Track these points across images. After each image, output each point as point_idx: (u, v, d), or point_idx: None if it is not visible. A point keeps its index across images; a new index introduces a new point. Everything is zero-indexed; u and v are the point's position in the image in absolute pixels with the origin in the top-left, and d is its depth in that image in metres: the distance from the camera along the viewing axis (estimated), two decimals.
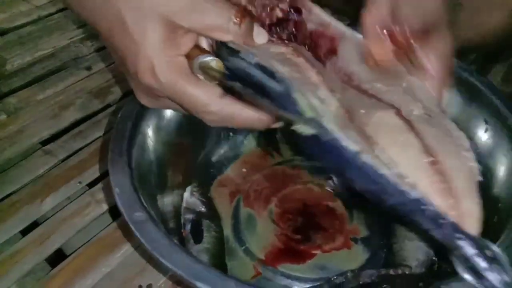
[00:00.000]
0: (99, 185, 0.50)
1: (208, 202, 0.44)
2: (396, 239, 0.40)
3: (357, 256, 0.42)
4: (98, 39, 0.71)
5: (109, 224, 0.46)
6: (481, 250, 0.22)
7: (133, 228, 0.32)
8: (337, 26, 0.37)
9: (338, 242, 0.43)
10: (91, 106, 0.60)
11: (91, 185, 0.50)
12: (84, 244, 0.44)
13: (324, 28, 0.37)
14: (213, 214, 0.43)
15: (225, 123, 0.31)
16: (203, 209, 0.42)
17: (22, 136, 0.55)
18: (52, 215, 0.47)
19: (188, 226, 0.41)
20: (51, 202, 0.48)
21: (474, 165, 0.27)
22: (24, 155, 0.53)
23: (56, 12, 0.77)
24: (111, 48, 0.32)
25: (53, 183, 0.50)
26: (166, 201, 0.41)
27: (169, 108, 0.34)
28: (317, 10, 0.37)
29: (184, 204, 0.43)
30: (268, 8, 0.36)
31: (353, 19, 0.37)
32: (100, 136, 0.55)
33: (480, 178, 0.26)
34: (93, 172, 0.51)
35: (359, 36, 0.36)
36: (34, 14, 0.76)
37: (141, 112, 0.41)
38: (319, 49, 0.36)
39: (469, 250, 0.23)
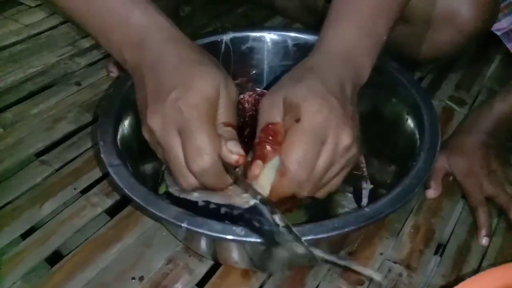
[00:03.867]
0: (94, 190, 0.55)
1: None
2: None
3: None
4: (86, 56, 0.77)
5: (104, 225, 0.51)
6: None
7: (109, 170, 0.41)
8: None
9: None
10: (83, 119, 0.65)
11: (85, 190, 0.55)
12: (82, 243, 0.49)
13: None
14: None
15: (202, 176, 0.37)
16: None
17: (18, 148, 0.60)
18: (50, 219, 0.52)
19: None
20: (49, 207, 0.53)
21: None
22: (21, 165, 0.58)
23: (45, 31, 0.82)
24: (146, 79, 0.37)
25: (50, 190, 0.55)
26: (148, 166, 0.49)
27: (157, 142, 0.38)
28: None
29: (162, 168, 0.50)
30: (256, 102, 0.53)
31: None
32: (92, 146, 0.60)
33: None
34: (87, 179, 0.56)
35: None
36: (24, 33, 0.81)
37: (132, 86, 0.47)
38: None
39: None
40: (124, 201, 0.53)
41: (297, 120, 0.36)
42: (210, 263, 0.47)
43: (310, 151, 0.36)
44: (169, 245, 0.49)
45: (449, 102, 0.71)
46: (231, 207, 0.37)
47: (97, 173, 0.57)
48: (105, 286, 0.45)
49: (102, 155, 0.42)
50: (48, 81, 0.71)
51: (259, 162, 0.38)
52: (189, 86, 0.35)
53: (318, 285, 0.46)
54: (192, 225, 0.36)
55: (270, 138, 0.37)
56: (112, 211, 0.53)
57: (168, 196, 0.43)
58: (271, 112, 0.38)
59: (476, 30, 0.60)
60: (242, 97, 0.55)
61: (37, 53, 0.76)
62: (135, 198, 0.38)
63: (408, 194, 0.39)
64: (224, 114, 0.37)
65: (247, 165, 0.40)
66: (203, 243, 0.43)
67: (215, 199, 0.39)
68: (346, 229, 0.36)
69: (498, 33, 0.75)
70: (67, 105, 0.67)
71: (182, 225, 0.36)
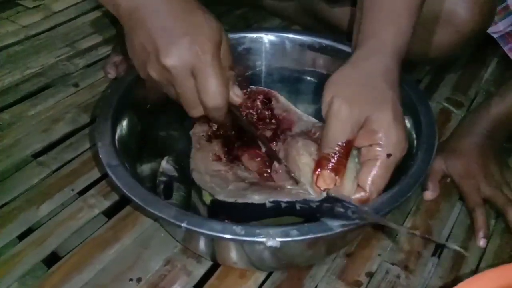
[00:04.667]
0: (91, 192, 0.54)
1: (181, 169, 0.50)
2: None
3: None
4: (84, 57, 0.76)
5: (102, 226, 0.51)
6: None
7: (108, 170, 0.41)
8: (296, 111, 0.54)
9: None
10: (80, 120, 0.65)
11: (83, 192, 0.55)
12: (79, 244, 0.49)
13: (287, 112, 0.54)
14: (183, 178, 0.49)
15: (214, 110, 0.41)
16: (175, 174, 0.49)
17: (16, 149, 0.60)
18: (47, 220, 0.51)
19: (161, 186, 0.48)
20: (47, 208, 0.53)
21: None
22: (18, 166, 0.58)
23: (43, 32, 0.82)
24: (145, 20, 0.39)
25: (48, 191, 0.55)
26: (145, 167, 0.50)
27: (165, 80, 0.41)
28: (281, 100, 0.55)
29: (160, 169, 0.50)
30: (252, 99, 0.54)
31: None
32: (89, 148, 0.60)
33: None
34: (85, 180, 0.56)
35: (311, 119, 0.53)
36: (21, 34, 0.81)
37: (130, 88, 0.49)
38: (280, 127, 0.52)
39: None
40: (121, 202, 0.53)
41: (388, 155, 0.39)
42: (208, 264, 0.47)
43: (388, 178, 0.40)
44: (167, 246, 0.49)
45: (446, 104, 0.71)
46: (305, 202, 0.40)
47: (94, 175, 0.57)
48: (103, 287, 0.45)
49: (100, 156, 0.42)
50: (45, 82, 0.71)
51: (333, 175, 0.40)
52: (200, 32, 0.39)
53: (316, 286, 0.46)
54: (191, 225, 0.36)
55: (343, 152, 0.40)
56: (109, 213, 0.52)
57: (218, 204, 0.44)
58: (352, 129, 0.40)
59: (473, 30, 0.60)
60: None
61: (35, 54, 0.76)
62: (134, 198, 0.38)
63: (405, 194, 0.39)
64: (226, 58, 0.41)
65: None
66: (202, 243, 0.43)
67: (280, 197, 0.41)
68: (345, 228, 0.36)
69: (495, 36, 0.75)
70: (64, 106, 0.67)
71: (182, 225, 0.36)
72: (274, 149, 0.49)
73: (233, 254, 0.42)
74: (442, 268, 0.48)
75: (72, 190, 0.55)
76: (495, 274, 0.33)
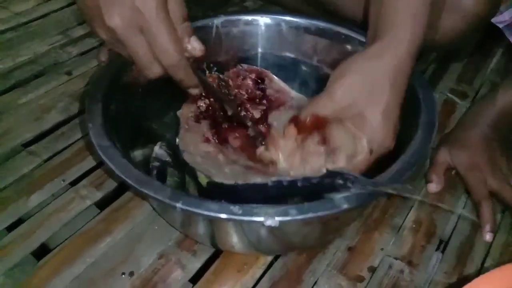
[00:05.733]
0: (83, 182, 0.52)
1: (174, 154, 0.49)
2: None
3: None
4: (77, 45, 0.74)
5: (93, 218, 0.49)
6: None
7: (99, 152, 0.39)
8: (290, 92, 0.53)
9: None
10: (72, 109, 0.62)
11: (74, 182, 0.53)
12: (70, 237, 0.47)
13: (280, 93, 0.53)
14: (177, 164, 0.48)
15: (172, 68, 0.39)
16: (168, 159, 0.48)
17: (5, 138, 0.58)
18: (37, 211, 0.49)
19: (154, 171, 0.46)
20: (37, 199, 0.51)
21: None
22: (8, 156, 0.56)
23: (36, 19, 0.80)
24: None
25: (38, 181, 0.52)
26: (137, 153, 0.48)
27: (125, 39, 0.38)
28: (275, 80, 0.54)
29: (153, 155, 0.48)
30: (241, 77, 0.50)
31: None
32: (81, 137, 0.58)
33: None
34: (76, 171, 0.54)
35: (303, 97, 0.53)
36: (13, 21, 0.79)
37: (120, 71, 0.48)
38: (271, 107, 0.52)
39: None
40: (114, 194, 0.51)
41: (370, 152, 0.41)
42: (203, 258, 0.45)
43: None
44: (161, 239, 0.47)
45: (450, 95, 0.69)
46: (307, 179, 0.39)
47: (87, 165, 0.55)
48: (94, 281, 0.43)
49: (91, 137, 0.40)
50: (38, 70, 0.69)
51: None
52: None
53: (316, 281, 0.44)
54: (187, 205, 0.34)
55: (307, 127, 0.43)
56: (101, 204, 0.50)
57: (215, 186, 0.42)
58: (334, 110, 0.43)
59: (479, 16, 0.59)
60: (225, 73, 0.53)
61: (27, 42, 0.74)
62: (127, 180, 0.36)
63: (405, 173, 0.38)
64: (178, 9, 0.39)
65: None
66: (200, 226, 0.42)
67: (281, 178, 0.41)
68: (345, 207, 0.35)
69: (500, 26, 0.73)
70: (57, 95, 0.65)
71: (177, 205, 0.34)
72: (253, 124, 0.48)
73: (233, 237, 0.41)
74: (446, 263, 0.47)
75: (64, 180, 0.53)
76: (504, 273, 0.31)
